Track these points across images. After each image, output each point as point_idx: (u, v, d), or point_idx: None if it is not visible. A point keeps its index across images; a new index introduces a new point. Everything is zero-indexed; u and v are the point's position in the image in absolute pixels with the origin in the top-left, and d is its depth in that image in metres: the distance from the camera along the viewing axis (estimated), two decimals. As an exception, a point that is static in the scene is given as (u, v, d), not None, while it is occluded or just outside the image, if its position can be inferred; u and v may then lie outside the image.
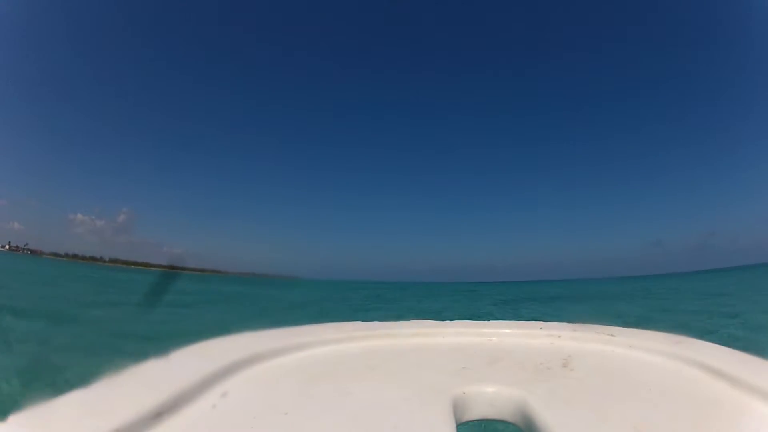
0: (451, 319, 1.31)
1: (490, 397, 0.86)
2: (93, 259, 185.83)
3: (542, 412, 0.75)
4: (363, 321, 1.29)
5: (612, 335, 1.16)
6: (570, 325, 1.27)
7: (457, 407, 0.80)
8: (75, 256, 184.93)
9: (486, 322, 1.29)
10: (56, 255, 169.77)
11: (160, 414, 0.67)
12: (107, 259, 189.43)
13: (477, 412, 0.84)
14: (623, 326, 1.25)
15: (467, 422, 0.84)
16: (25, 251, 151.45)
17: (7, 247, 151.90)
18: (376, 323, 1.27)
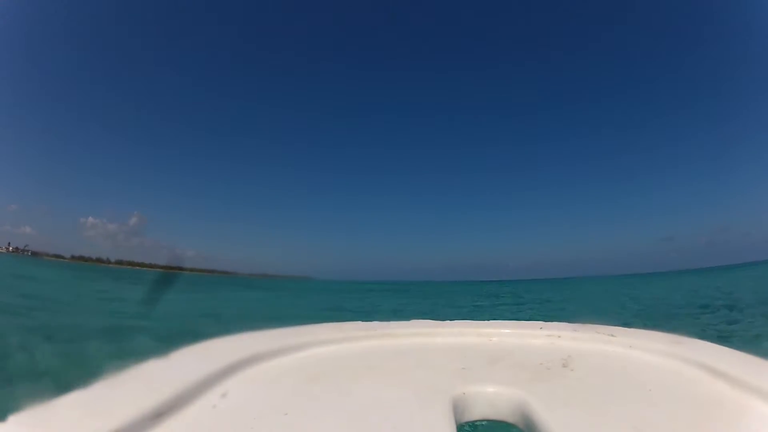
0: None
1: (490, 397, 0.86)
2: (99, 260, 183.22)
3: (542, 413, 0.75)
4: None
5: (612, 335, 1.16)
6: (570, 325, 1.27)
7: (457, 407, 0.80)
8: (81, 257, 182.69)
9: (486, 322, 1.29)
10: (59, 257, 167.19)
11: (160, 414, 0.68)
12: (113, 261, 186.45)
13: (477, 412, 0.84)
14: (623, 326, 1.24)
15: (467, 422, 0.83)
16: (26, 253, 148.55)
17: (10, 249, 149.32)
18: (375, 323, 1.27)
